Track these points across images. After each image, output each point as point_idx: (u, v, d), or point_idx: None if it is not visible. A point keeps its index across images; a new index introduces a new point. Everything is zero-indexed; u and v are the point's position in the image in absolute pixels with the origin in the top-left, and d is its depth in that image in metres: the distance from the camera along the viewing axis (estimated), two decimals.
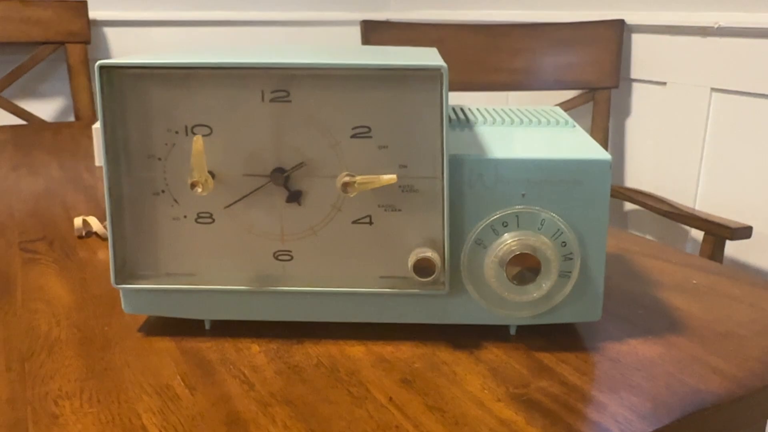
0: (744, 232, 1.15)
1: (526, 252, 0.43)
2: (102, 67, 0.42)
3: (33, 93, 1.76)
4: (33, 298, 0.53)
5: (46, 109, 1.78)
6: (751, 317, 0.50)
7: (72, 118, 1.78)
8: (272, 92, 0.43)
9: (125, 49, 1.83)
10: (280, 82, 0.42)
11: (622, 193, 1.43)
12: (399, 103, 0.43)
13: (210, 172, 0.44)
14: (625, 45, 1.45)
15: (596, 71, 1.45)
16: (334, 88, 0.42)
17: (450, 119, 0.53)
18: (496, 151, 0.44)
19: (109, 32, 1.81)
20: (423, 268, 0.44)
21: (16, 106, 1.64)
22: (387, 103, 0.43)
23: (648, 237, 1.47)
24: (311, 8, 2.03)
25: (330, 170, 0.44)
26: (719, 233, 1.16)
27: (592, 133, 1.47)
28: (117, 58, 0.43)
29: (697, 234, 1.35)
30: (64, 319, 0.50)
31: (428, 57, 0.45)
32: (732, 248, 1.28)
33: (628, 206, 1.52)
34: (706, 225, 1.18)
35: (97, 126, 0.99)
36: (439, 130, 0.43)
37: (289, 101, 0.43)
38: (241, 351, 0.45)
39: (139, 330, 0.48)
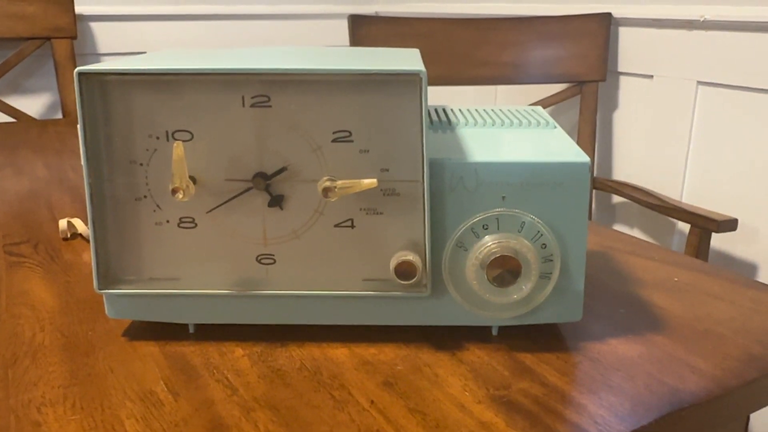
0: (730, 225, 1.16)
1: (507, 254, 0.43)
2: (81, 74, 0.42)
3: (19, 89, 1.75)
4: (17, 302, 0.53)
5: (34, 105, 1.77)
6: (731, 315, 0.51)
7: (60, 115, 1.77)
8: (253, 98, 0.43)
9: (112, 43, 1.82)
10: (261, 88, 0.43)
11: (609, 186, 1.43)
12: (379, 108, 0.43)
13: (192, 177, 0.44)
14: (612, 38, 1.45)
15: (584, 64, 1.46)
16: (314, 93, 0.43)
17: (431, 121, 0.53)
18: (476, 155, 0.44)
19: (96, 27, 1.80)
20: (404, 271, 0.44)
21: (3, 103, 1.63)
22: (367, 108, 0.43)
23: (635, 230, 1.48)
24: (299, 2, 2.02)
25: (312, 174, 0.44)
26: (705, 226, 1.17)
27: (580, 127, 1.47)
28: (97, 64, 0.43)
29: (684, 226, 1.35)
30: (48, 324, 0.50)
31: (409, 61, 0.46)
32: (718, 240, 1.29)
33: (616, 199, 1.53)
34: (692, 218, 1.19)
35: None
36: (419, 134, 0.43)
37: (270, 106, 0.43)
38: (224, 355, 0.45)
39: (123, 334, 0.48)
